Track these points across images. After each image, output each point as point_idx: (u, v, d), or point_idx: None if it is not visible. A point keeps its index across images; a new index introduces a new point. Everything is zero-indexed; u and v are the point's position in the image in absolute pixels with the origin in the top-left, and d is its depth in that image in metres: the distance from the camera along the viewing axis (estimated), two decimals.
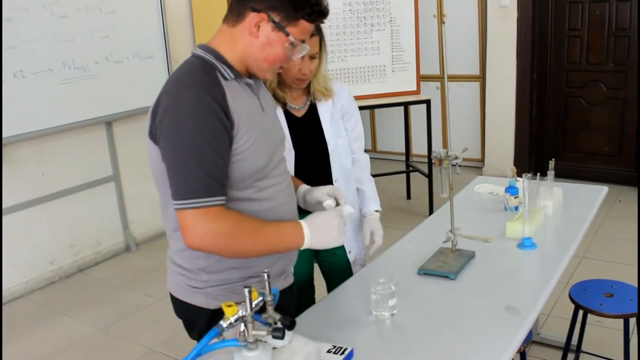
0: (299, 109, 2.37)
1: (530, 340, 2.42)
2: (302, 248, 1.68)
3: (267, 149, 1.69)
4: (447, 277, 2.12)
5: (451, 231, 2.29)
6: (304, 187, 1.99)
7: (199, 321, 1.76)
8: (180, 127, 1.51)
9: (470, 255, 2.26)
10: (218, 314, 1.68)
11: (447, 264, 2.19)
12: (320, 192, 1.90)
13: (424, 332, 1.79)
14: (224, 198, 1.57)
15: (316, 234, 1.67)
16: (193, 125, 1.51)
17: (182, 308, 1.80)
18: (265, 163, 1.68)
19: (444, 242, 2.30)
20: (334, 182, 2.40)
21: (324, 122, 2.38)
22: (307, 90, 2.38)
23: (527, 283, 2.14)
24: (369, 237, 2.47)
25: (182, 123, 1.51)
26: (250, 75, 1.71)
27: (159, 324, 3.75)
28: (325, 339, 1.71)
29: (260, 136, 1.65)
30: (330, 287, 2.49)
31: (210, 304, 1.73)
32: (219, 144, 1.55)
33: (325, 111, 2.39)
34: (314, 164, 2.38)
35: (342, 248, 2.50)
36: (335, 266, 2.54)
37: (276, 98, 2.29)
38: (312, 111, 2.39)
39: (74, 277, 4.59)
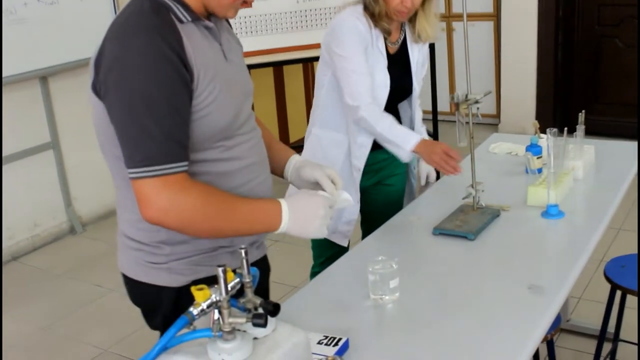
0: (392, 45, 2.63)
1: (558, 326, 2.45)
2: (276, 232, 1.70)
3: (233, 104, 1.70)
4: (465, 237, 2.19)
5: (472, 186, 2.33)
6: (296, 158, 2.01)
7: (162, 304, 1.78)
8: (131, 81, 1.51)
9: (495, 214, 2.33)
10: (184, 293, 1.70)
11: (466, 223, 2.26)
12: (321, 173, 1.90)
13: (432, 318, 1.82)
14: (187, 164, 1.58)
15: (296, 219, 1.69)
16: (146, 79, 1.51)
17: (139, 291, 1.81)
18: (232, 119, 1.69)
19: (463, 198, 2.37)
20: (415, 129, 2.74)
21: (413, 65, 2.69)
22: (401, 27, 2.64)
23: (553, 258, 2.18)
24: (424, 179, 2.72)
25: (133, 76, 1.51)
26: (209, 16, 1.71)
27: (112, 320, 3.77)
28: (315, 328, 1.73)
29: (225, 89, 1.66)
30: (368, 228, 2.72)
31: (175, 281, 1.75)
32: (179, 100, 1.56)
33: (415, 54, 2.68)
34: (396, 106, 2.70)
35: (402, 176, 2.86)
36: (389, 196, 2.83)
37: (383, 27, 2.54)
38: (403, 51, 2.66)
39: (8, 266, 4.59)
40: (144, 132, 1.53)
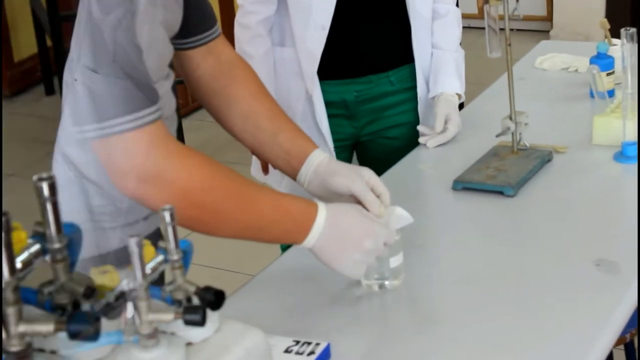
0: None
1: None
2: (298, 244, 1.74)
3: (158, 47, 1.75)
4: (501, 193, 2.20)
5: (510, 118, 2.33)
6: (319, 156, 1.99)
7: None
8: None
9: (545, 158, 2.35)
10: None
11: (502, 173, 2.27)
12: (361, 185, 1.88)
13: (451, 311, 1.83)
14: (160, 107, 1.63)
15: (330, 239, 1.72)
16: None
17: None
18: (154, 71, 1.73)
19: (497, 136, 2.38)
20: (412, 37, 2.69)
21: None
22: None
23: (631, 222, 2.18)
24: (442, 123, 2.60)
25: None
26: None
27: None
28: (282, 329, 1.73)
29: (155, 34, 1.71)
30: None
31: None
32: (133, 22, 1.59)
33: None
34: (373, 3, 2.71)
35: (407, 127, 2.81)
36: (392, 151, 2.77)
37: None
38: None
39: None
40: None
